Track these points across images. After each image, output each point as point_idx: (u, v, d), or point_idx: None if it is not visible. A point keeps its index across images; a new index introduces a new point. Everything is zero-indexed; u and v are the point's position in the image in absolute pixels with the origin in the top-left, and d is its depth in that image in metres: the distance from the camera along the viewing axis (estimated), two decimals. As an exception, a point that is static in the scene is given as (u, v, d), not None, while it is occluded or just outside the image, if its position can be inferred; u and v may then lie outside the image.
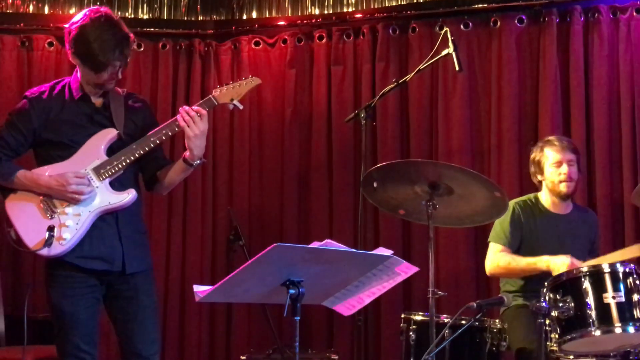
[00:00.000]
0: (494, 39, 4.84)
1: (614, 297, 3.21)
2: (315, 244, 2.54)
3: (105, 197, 3.20)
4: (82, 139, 3.23)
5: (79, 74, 3.29)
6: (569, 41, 4.70)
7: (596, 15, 4.66)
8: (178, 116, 3.25)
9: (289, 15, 5.26)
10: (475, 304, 3.32)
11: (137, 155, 3.23)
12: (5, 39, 5.14)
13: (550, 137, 4.16)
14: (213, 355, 5.08)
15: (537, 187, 4.19)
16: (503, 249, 4.01)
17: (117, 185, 3.24)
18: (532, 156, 4.15)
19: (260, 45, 5.24)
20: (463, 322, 3.44)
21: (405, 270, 2.76)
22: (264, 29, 5.28)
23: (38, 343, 4.71)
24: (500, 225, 4.04)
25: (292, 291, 2.48)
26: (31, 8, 5.22)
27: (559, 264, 3.73)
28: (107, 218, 3.22)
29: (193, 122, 3.22)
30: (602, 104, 4.62)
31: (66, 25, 3.27)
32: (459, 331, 3.36)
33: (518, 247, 4.04)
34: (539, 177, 4.12)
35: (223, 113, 5.10)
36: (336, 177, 5.03)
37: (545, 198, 4.11)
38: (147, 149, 3.24)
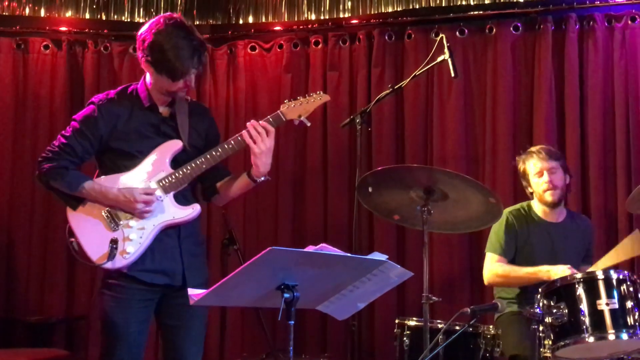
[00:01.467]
0: (490, 46, 4.86)
1: (607, 304, 3.22)
2: (310, 248, 2.54)
3: (170, 212, 3.14)
4: (148, 150, 3.16)
5: (147, 81, 3.19)
6: (564, 49, 4.72)
7: (591, 23, 4.68)
8: (244, 131, 3.17)
9: (285, 20, 5.27)
10: (469, 310, 3.32)
11: (203, 169, 3.16)
12: (1, 41, 5.15)
13: (531, 148, 4.16)
14: (206, 359, 5.06)
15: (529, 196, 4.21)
16: (499, 258, 4.02)
17: (181, 198, 3.18)
18: (519, 167, 4.16)
19: (256, 50, 5.25)
20: (457, 327, 3.45)
21: (400, 275, 2.76)
22: (260, 34, 5.29)
23: (31, 346, 4.71)
24: (496, 235, 4.05)
25: (286, 295, 2.47)
26: (27, 11, 5.22)
27: (559, 273, 3.71)
28: (170, 231, 3.16)
29: (260, 139, 3.15)
30: (596, 111, 4.64)
31: (138, 32, 3.15)
32: (453, 337, 3.37)
33: (513, 256, 4.05)
34: (529, 189, 4.14)
35: (217, 116, 5.10)
36: (331, 182, 5.03)
37: (537, 207, 4.13)
38: (213, 163, 3.17)
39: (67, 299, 5.07)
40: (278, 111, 3.24)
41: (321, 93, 3.31)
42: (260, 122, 3.18)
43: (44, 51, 5.16)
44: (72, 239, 3.11)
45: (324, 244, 2.59)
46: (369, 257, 2.65)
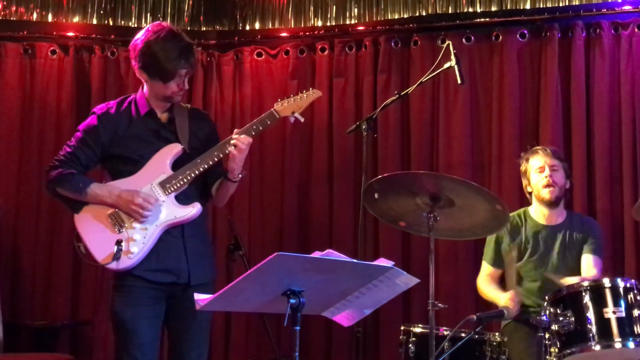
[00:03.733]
0: (496, 53, 4.86)
1: (614, 312, 3.21)
2: (317, 254, 2.54)
3: (172, 211, 3.26)
4: (149, 154, 3.30)
5: (145, 90, 3.37)
6: (571, 56, 4.71)
7: (598, 30, 4.68)
8: (231, 148, 3.29)
9: (292, 26, 5.28)
10: (475, 317, 3.33)
11: (201, 169, 3.29)
12: (9, 46, 5.15)
13: (536, 148, 4.20)
14: (211, 365, 5.06)
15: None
16: (491, 269, 4.09)
17: (183, 198, 3.30)
18: (520, 169, 4.20)
19: (263, 56, 5.26)
20: (463, 334, 3.44)
21: (406, 281, 2.75)
22: (267, 40, 5.30)
23: (36, 350, 4.71)
24: (488, 244, 4.10)
25: (292, 301, 2.47)
26: (35, 16, 5.23)
27: (503, 300, 3.76)
28: (173, 231, 3.29)
29: (244, 150, 3.30)
30: (603, 119, 4.63)
31: (131, 43, 3.34)
32: (459, 344, 3.36)
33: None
34: (528, 189, 4.15)
35: (223, 122, 5.11)
36: (337, 188, 5.03)
37: (534, 210, 4.13)
38: (211, 163, 3.31)
39: (72, 303, 5.07)
40: (272, 109, 3.42)
41: (312, 89, 3.48)
42: (242, 136, 3.30)
43: (51, 56, 5.17)
44: (80, 244, 3.24)
45: (330, 250, 2.59)
46: (375, 263, 2.65)
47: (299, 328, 2.51)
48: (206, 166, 3.29)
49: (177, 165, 3.32)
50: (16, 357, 4.52)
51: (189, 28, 5.34)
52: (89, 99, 5.16)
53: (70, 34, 5.23)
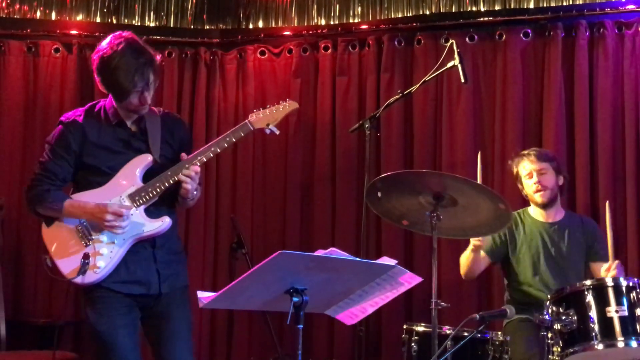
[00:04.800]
0: (499, 52, 4.86)
1: (617, 311, 3.21)
2: (320, 252, 2.54)
3: (140, 226, 3.20)
4: (119, 165, 3.24)
5: (113, 100, 3.29)
6: (574, 55, 4.71)
7: (601, 30, 4.68)
8: (183, 176, 3.21)
9: (295, 25, 5.28)
10: (477, 316, 3.32)
11: (171, 182, 3.23)
12: (12, 44, 5.16)
13: (523, 151, 4.23)
14: (213, 363, 5.07)
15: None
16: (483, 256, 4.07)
17: (152, 209, 3.25)
18: (513, 171, 4.23)
19: (266, 55, 5.26)
20: (465, 333, 3.43)
21: (409, 280, 2.76)
22: (270, 39, 5.30)
23: (39, 348, 4.72)
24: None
25: (295, 299, 2.48)
26: (38, 14, 5.24)
27: (469, 250, 3.92)
28: (143, 242, 3.23)
29: (193, 184, 3.22)
30: (606, 118, 4.63)
31: (94, 56, 3.25)
32: (461, 343, 3.35)
33: (504, 257, 4.09)
34: (523, 193, 4.20)
35: (226, 121, 5.12)
36: (339, 187, 5.03)
37: (532, 210, 4.18)
38: (172, 182, 3.24)
39: (75, 301, 5.05)
40: (246, 121, 3.37)
41: (290, 101, 3.43)
42: (193, 167, 3.21)
43: (54, 54, 5.18)
44: (46, 256, 3.20)
45: (333, 248, 2.59)
46: (378, 261, 2.65)
47: (301, 326, 2.51)
48: (176, 178, 3.22)
49: (148, 176, 3.25)
50: (19, 355, 4.52)
51: (192, 27, 5.35)
52: (92, 98, 5.13)
53: (74, 32, 5.23)
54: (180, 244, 3.51)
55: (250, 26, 5.36)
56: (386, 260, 2.66)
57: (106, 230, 3.15)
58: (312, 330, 4.86)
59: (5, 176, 5.10)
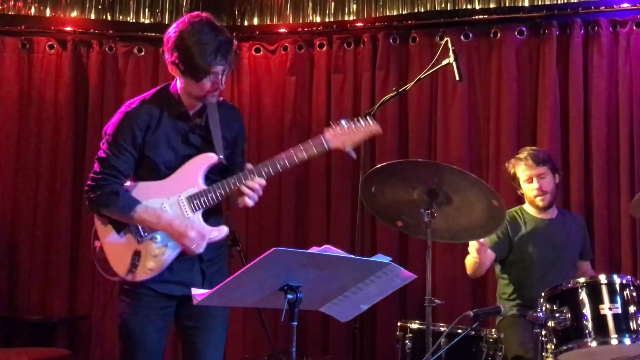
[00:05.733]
0: (494, 50, 4.86)
1: (610, 309, 3.22)
2: (315, 249, 2.54)
3: None
4: (177, 163, 3.01)
5: (178, 85, 3.02)
6: (569, 53, 4.72)
7: (596, 28, 4.69)
8: (245, 191, 3.00)
9: (290, 22, 5.28)
10: (472, 313, 3.33)
11: (233, 188, 3.01)
12: (6, 40, 5.16)
13: (521, 154, 4.16)
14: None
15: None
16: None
17: (209, 216, 3.04)
18: (509, 172, 4.20)
19: (261, 52, 5.26)
20: (459, 331, 3.44)
21: (403, 277, 2.76)
22: (265, 36, 5.30)
23: (33, 345, 4.72)
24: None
25: (290, 296, 2.47)
26: (33, 10, 5.24)
27: (471, 255, 3.84)
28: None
29: (255, 196, 3.02)
30: (600, 116, 4.64)
31: (165, 34, 3.00)
32: (455, 340, 3.36)
33: (506, 256, 4.07)
34: (519, 192, 4.20)
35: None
36: (334, 185, 5.04)
37: (529, 208, 4.18)
38: (244, 187, 3.02)
39: (70, 298, 5.08)
40: (321, 137, 3.07)
41: (373, 122, 3.10)
42: (257, 179, 3.00)
43: (48, 51, 5.17)
44: (97, 241, 3.03)
45: (327, 245, 2.59)
46: (372, 259, 2.65)
47: (296, 323, 2.51)
48: (238, 185, 3.01)
49: (209, 175, 3.03)
50: (14, 352, 4.52)
51: (187, 23, 5.33)
52: (86, 94, 5.17)
53: (68, 28, 5.23)
54: (227, 256, 3.33)
55: (246, 23, 5.36)
56: (381, 258, 2.66)
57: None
58: (306, 327, 4.86)
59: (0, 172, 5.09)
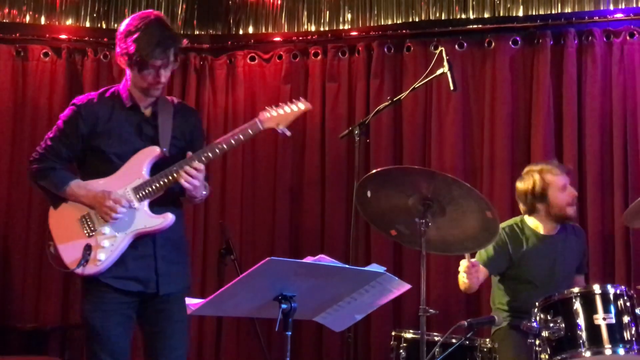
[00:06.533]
0: (488, 60, 4.88)
1: (604, 319, 3.22)
2: (309, 259, 2.54)
3: (142, 220, 3.16)
4: (126, 154, 3.19)
5: (127, 81, 3.23)
6: (563, 63, 4.74)
7: (590, 38, 4.71)
8: (182, 176, 3.14)
9: (285, 31, 5.29)
10: (466, 323, 3.33)
11: (175, 176, 3.16)
12: (1, 48, 5.15)
13: (545, 165, 4.08)
14: (201, 370, 5.05)
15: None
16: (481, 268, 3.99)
17: (157, 207, 3.19)
18: (525, 185, 4.05)
19: (256, 61, 5.26)
20: (454, 340, 3.44)
21: (397, 287, 2.76)
22: (260, 45, 5.30)
23: (26, 353, 4.70)
24: (485, 248, 4.04)
25: (284, 306, 2.47)
26: (27, 18, 5.23)
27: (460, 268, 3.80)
28: (145, 239, 3.18)
29: (196, 181, 3.15)
30: (594, 126, 4.66)
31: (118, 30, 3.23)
32: (450, 350, 3.36)
33: (504, 270, 4.02)
34: (537, 204, 4.03)
35: (216, 126, 5.11)
36: (329, 193, 5.03)
37: (533, 222, 4.08)
38: (181, 172, 3.17)
39: (63, 307, 5.05)
40: (256, 119, 3.30)
41: (303, 100, 3.37)
42: (194, 164, 3.14)
43: (43, 59, 5.16)
44: (51, 242, 3.18)
45: (322, 255, 2.59)
46: (367, 268, 2.65)
47: (290, 333, 2.51)
48: (176, 177, 3.16)
49: (157, 169, 3.20)
50: (5, 360, 4.50)
51: (182, 32, 5.33)
52: (81, 102, 5.15)
53: (63, 36, 5.22)
54: (185, 243, 3.43)
55: (241, 32, 5.36)
56: (375, 267, 2.66)
57: (102, 214, 3.12)
58: (300, 336, 4.85)
59: (-7, 181, 5.08)
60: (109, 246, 3.12)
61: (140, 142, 3.21)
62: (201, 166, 3.16)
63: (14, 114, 5.13)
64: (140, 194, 3.16)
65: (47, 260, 4.91)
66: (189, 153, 3.20)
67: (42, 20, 5.24)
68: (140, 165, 3.18)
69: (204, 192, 3.27)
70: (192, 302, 2.53)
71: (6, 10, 5.20)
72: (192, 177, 3.14)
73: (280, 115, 3.29)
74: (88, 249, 3.09)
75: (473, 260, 3.72)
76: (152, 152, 3.19)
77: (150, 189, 3.16)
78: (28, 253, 5.06)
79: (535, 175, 4.04)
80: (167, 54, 3.13)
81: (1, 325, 4.90)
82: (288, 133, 3.33)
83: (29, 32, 5.19)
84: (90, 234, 3.14)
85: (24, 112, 5.15)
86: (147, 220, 3.16)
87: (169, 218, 3.17)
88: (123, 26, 3.18)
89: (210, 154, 3.20)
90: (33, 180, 3.29)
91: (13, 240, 5.08)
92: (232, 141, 3.24)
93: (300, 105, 3.33)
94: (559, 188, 4.01)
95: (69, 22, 5.26)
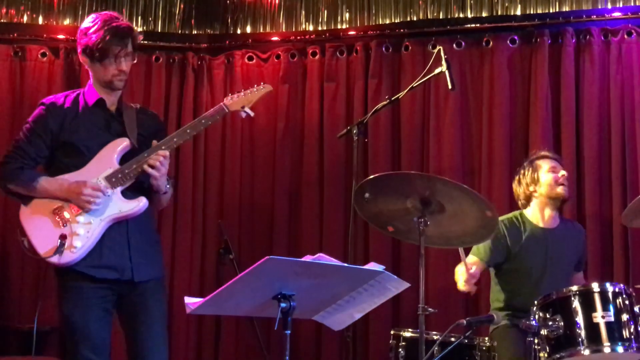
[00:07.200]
0: (487, 59, 4.88)
1: (603, 317, 3.23)
2: (308, 258, 2.54)
3: (117, 205, 3.24)
4: (96, 146, 3.28)
5: (91, 81, 3.37)
6: (561, 62, 4.74)
7: (588, 37, 4.71)
8: (150, 161, 3.24)
9: (283, 30, 5.29)
10: (465, 321, 3.33)
11: (143, 162, 3.25)
12: (-1, 48, 5.14)
13: (535, 155, 4.21)
14: (200, 369, 5.05)
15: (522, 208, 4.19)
16: (476, 261, 4.00)
17: (129, 194, 3.27)
18: (521, 175, 4.15)
19: (254, 60, 5.26)
20: (452, 339, 3.44)
21: (396, 286, 2.76)
22: (258, 44, 5.30)
23: (24, 354, 4.69)
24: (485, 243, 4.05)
25: (283, 305, 2.48)
26: (25, 18, 5.22)
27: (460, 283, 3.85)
28: (118, 227, 3.26)
29: (161, 168, 3.25)
30: (592, 125, 4.66)
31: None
32: (449, 348, 3.37)
33: (501, 263, 4.05)
34: (532, 190, 4.09)
35: (214, 126, 5.11)
36: (327, 193, 5.03)
37: (532, 214, 4.12)
38: (149, 160, 3.27)
39: (60, 306, 5.04)
40: (221, 104, 3.43)
41: (264, 84, 3.53)
42: (160, 151, 3.24)
43: (41, 59, 5.15)
44: (24, 238, 3.22)
45: (321, 254, 2.59)
46: (366, 267, 2.66)
47: (289, 332, 2.51)
48: (144, 162, 3.27)
49: (125, 160, 3.29)
50: (4, 361, 4.49)
51: (180, 31, 5.34)
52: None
53: (61, 36, 5.22)
54: (156, 235, 3.54)
55: (238, 31, 5.36)
56: (374, 266, 2.66)
57: (81, 204, 3.18)
58: (299, 335, 4.85)
59: (-9, 181, 5.07)
60: (85, 233, 3.18)
61: (109, 136, 3.31)
62: (166, 153, 3.26)
63: (11, 114, 5.12)
64: (113, 181, 3.24)
65: (45, 261, 5.00)
66: (154, 141, 3.31)
67: (40, 20, 5.23)
68: (111, 155, 3.27)
69: (168, 187, 3.35)
70: (191, 301, 2.53)
71: (4, 10, 5.19)
72: (159, 162, 3.23)
73: (242, 98, 3.45)
74: (63, 238, 3.15)
75: (472, 271, 3.75)
76: (121, 143, 3.29)
77: (121, 175, 3.24)
78: (25, 254, 5.03)
79: (525, 163, 4.17)
80: (124, 42, 3.29)
81: (0, 326, 4.89)
82: (252, 113, 3.48)
83: (26, 32, 5.19)
84: (65, 224, 3.20)
85: (22, 113, 5.12)
86: (121, 205, 3.24)
87: (142, 201, 3.26)
88: (82, 27, 3.33)
89: (176, 140, 3.31)
90: (2, 184, 3.32)
91: (10, 241, 5.06)
92: (200, 126, 3.40)
93: (261, 88, 3.50)
94: (548, 169, 4.09)
95: (67, 22, 5.25)
